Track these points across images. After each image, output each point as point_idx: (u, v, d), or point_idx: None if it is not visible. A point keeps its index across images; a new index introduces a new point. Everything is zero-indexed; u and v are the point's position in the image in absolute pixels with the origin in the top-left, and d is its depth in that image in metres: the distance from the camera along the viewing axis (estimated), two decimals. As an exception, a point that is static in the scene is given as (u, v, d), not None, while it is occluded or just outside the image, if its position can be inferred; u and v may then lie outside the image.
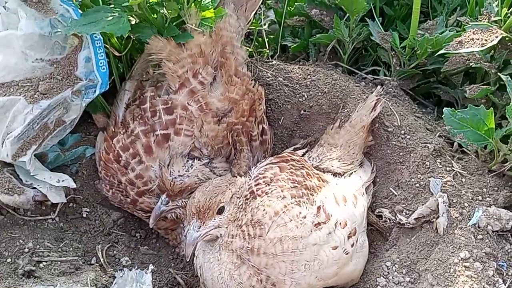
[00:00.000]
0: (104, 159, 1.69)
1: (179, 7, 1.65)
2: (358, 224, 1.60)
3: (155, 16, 1.70)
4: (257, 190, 1.50)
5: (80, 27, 1.55)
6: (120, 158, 1.66)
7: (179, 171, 1.61)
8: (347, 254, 1.52)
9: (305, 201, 1.51)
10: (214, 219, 1.42)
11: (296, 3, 2.19)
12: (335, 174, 1.72)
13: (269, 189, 1.50)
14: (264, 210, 1.44)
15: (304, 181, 1.56)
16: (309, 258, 1.44)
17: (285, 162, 1.63)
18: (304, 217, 1.46)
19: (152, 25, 1.69)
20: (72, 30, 1.57)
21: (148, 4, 1.65)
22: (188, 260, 1.48)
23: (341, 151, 1.76)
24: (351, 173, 1.76)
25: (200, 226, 1.40)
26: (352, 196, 1.65)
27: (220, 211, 1.43)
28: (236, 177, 1.58)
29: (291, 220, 1.44)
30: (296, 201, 1.49)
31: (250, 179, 1.57)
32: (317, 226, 1.47)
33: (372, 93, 1.90)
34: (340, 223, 1.52)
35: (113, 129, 1.73)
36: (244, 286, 1.43)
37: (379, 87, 1.94)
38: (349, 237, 1.53)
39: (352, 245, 1.54)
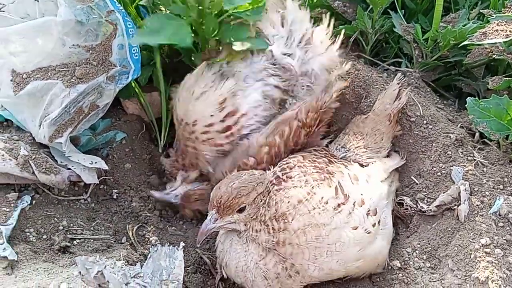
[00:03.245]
0: None
1: None
2: (378, 205, 1.59)
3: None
4: (282, 175, 1.54)
5: (144, 38, 1.65)
6: None
7: None
8: (368, 233, 1.53)
9: (324, 181, 1.54)
10: (233, 215, 1.44)
11: (318, -4, 2.20)
12: (362, 165, 1.72)
13: (295, 174, 1.53)
14: (288, 201, 1.46)
15: (326, 167, 1.59)
16: (331, 243, 1.46)
17: (308, 152, 1.69)
18: (326, 203, 1.48)
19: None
20: (138, 41, 1.70)
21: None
22: (198, 246, 1.57)
23: (368, 139, 1.78)
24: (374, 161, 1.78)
25: (217, 219, 1.43)
26: (370, 177, 1.65)
27: (241, 210, 1.44)
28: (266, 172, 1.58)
29: (314, 208, 1.47)
30: (317, 183, 1.52)
31: (275, 167, 1.61)
32: (337, 208, 1.49)
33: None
34: (357, 202, 1.53)
35: None
36: (269, 273, 1.47)
37: (399, 74, 1.94)
38: (367, 214, 1.54)
39: (374, 225, 1.54)
